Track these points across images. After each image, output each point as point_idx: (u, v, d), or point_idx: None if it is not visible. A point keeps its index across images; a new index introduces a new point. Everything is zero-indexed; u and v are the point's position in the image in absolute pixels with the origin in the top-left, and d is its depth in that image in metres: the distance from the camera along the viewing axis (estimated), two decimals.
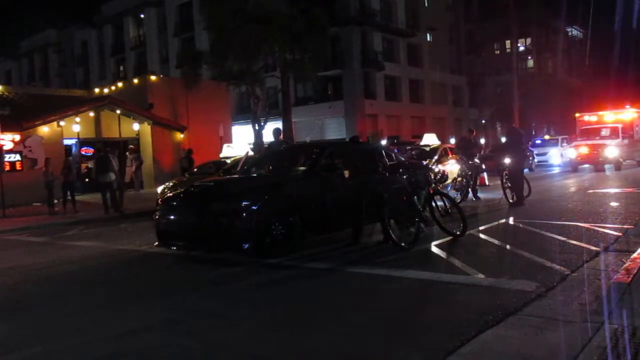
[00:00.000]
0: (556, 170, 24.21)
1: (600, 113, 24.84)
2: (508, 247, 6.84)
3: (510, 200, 11.27)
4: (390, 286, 5.39)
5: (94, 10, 55.33)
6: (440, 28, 47.46)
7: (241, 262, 6.82)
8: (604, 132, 22.27)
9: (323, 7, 25.74)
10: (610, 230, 7.60)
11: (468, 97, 52.01)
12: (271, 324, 4.42)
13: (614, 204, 10.95)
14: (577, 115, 26.29)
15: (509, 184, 11.44)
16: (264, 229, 6.74)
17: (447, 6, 49.03)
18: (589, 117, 25.12)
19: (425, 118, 45.31)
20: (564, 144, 27.31)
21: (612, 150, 20.28)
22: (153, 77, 27.39)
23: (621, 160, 20.70)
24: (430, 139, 19.97)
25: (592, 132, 22.74)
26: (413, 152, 17.24)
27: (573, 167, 21.37)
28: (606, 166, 20.37)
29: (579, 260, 5.83)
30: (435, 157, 14.97)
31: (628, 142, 22.01)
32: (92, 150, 22.07)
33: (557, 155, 27.04)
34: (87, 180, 21.23)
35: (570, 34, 64.38)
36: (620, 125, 22.26)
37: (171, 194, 9.72)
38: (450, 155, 15.37)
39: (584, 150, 20.92)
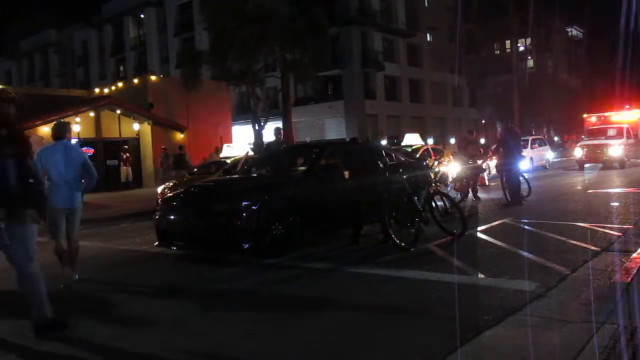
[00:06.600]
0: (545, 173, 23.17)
1: (607, 114, 25.49)
2: (508, 247, 6.84)
3: (509, 200, 11.29)
4: (390, 286, 5.39)
5: (94, 10, 55.56)
6: (440, 28, 47.44)
7: (241, 262, 6.81)
8: (610, 132, 22.56)
9: (323, 7, 25.73)
10: (610, 230, 7.60)
11: (468, 97, 52.01)
12: (271, 323, 4.42)
13: (614, 203, 10.95)
14: (584, 116, 26.84)
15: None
16: (264, 229, 6.74)
17: (447, 6, 49.03)
18: (596, 118, 25.94)
19: (425, 118, 45.33)
20: (535, 146, 23.50)
21: (616, 149, 20.56)
22: (153, 77, 27.43)
23: (625, 159, 20.87)
24: (412, 139, 19.67)
25: (598, 132, 23.20)
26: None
27: (580, 166, 21.56)
28: (614, 164, 20.66)
29: (578, 260, 5.83)
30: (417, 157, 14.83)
31: (633, 141, 22.37)
32: (92, 150, 22.08)
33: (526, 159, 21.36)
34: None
35: (570, 34, 64.46)
36: (626, 126, 22.60)
37: (171, 194, 9.72)
38: (433, 157, 15.04)
39: (590, 149, 21.29)
